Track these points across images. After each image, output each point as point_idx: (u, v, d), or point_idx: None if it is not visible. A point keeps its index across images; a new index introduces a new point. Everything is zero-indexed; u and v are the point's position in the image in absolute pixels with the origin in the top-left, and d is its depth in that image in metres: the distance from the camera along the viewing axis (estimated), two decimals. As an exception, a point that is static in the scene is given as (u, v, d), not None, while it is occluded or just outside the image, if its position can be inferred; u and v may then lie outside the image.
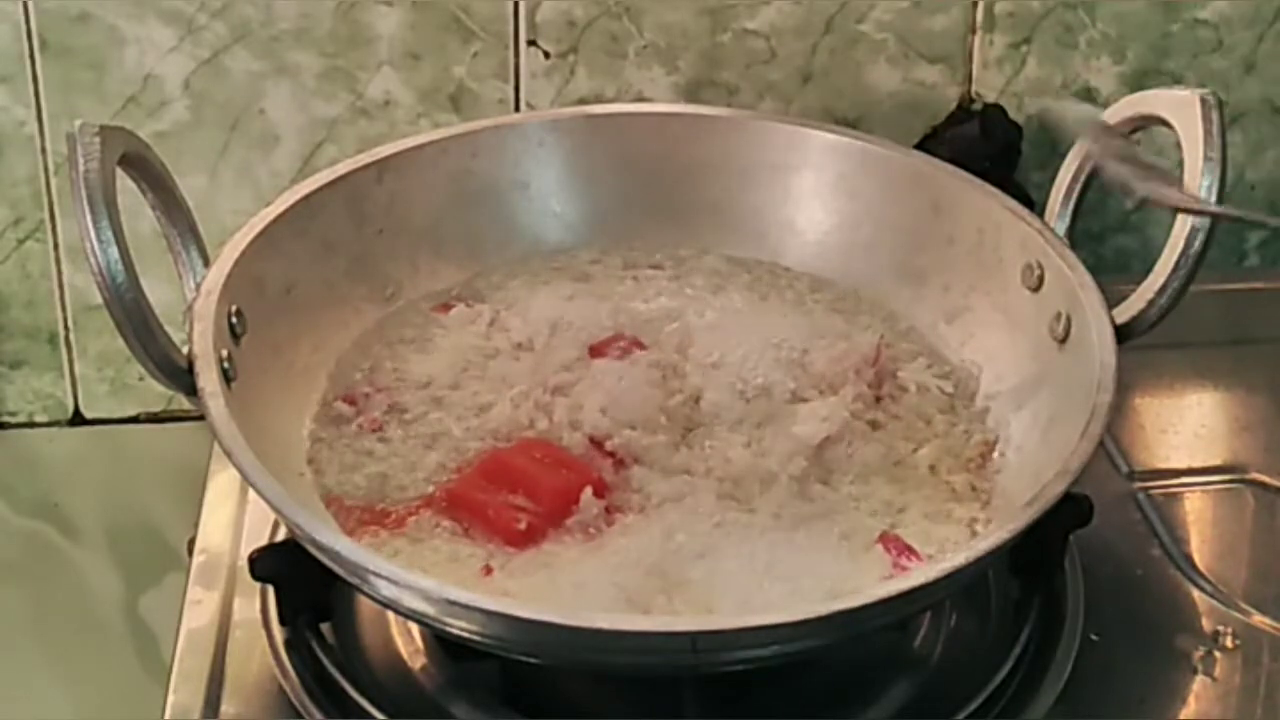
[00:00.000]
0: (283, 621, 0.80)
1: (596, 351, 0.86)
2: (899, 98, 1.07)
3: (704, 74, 1.06)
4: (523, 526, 0.77)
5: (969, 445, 0.84)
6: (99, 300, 0.75)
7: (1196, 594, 0.85)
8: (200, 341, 0.77)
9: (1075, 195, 0.88)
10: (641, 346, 0.87)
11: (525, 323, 0.89)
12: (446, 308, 0.91)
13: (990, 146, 1.07)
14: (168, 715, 0.78)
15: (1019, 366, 0.86)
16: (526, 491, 0.79)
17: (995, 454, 0.83)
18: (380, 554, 0.75)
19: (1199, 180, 0.80)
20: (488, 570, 0.76)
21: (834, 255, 0.94)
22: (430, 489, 0.80)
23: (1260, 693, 0.81)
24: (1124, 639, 0.82)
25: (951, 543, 0.78)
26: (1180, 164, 0.81)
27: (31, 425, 1.10)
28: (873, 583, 0.73)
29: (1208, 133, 0.81)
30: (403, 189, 0.91)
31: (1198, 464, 0.94)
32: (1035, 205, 0.94)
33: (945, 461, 0.83)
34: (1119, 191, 0.72)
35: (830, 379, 0.85)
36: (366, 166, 0.90)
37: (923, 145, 1.06)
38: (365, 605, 0.82)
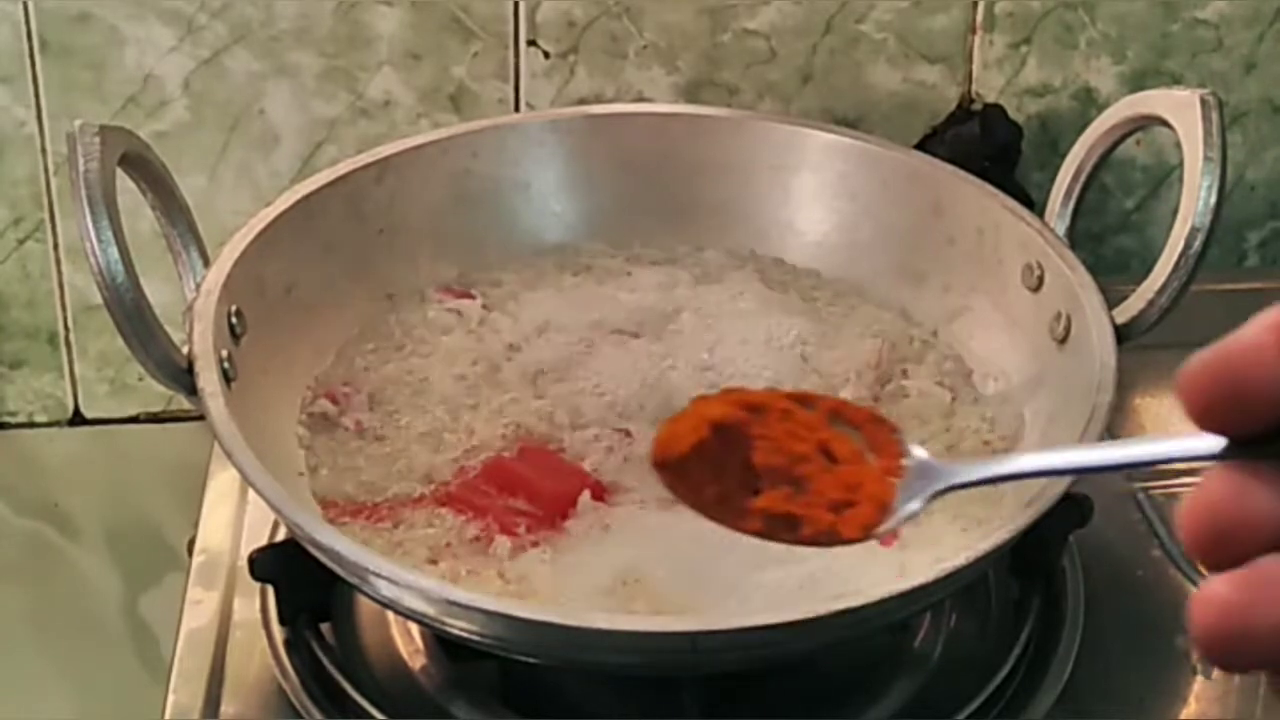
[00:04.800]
0: (283, 621, 0.80)
1: (596, 351, 0.86)
2: (899, 98, 1.07)
3: (704, 74, 1.06)
4: (522, 530, 0.77)
5: (969, 445, 0.84)
6: (99, 300, 0.75)
7: (1196, 594, 0.85)
8: (200, 341, 0.77)
9: (1075, 195, 0.88)
10: (641, 345, 0.87)
11: (524, 321, 0.89)
12: (446, 303, 0.91)
13: (990, 146, 1.07)
14: (168, 715, 0.78)
15: (1019, 366, 0.86)
16: (527, 495, 0.79)
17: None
18: (376, 545, 0.75)
19: (1199, 180, 0.80)
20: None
21: (834, 255, 0.94)
22: (431, 487, 0.80)
23: (1260, 693, 0.81)
24: (1124, 639, 0.82)
25: (950, 543, 0.78)
26: (1180, 164, 0.81)
27: (31, 425, 1.10)
28: (873, 583, 0.73)
29: (1208, 133, 0.81)
30: (403, 189, 0.91)
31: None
32: (1035, 205, 0.94)
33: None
34: None
35: (830, 380, 0.85)
36: (366, 166, 0.90)
37: (923, 145, 1.06)
38: (365, 605, 0.82)
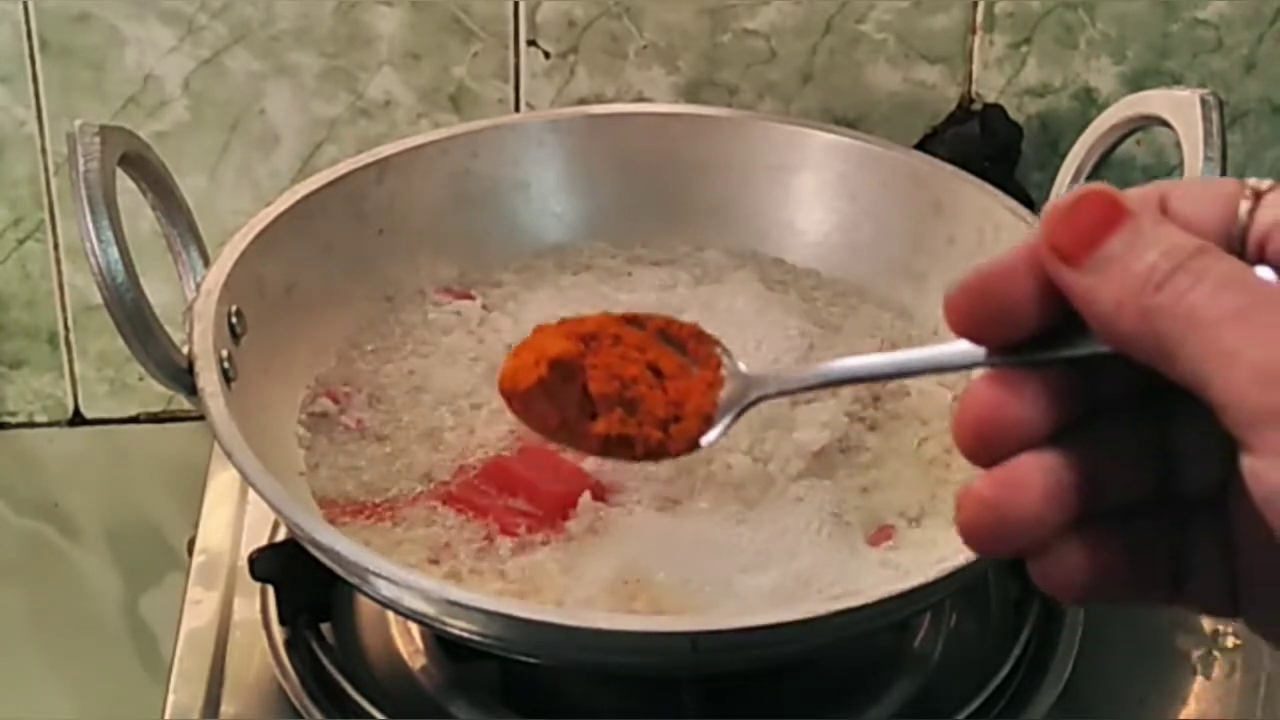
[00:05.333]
0: (283, 621, 0.80)
1: (596, 351, 0.87)
2: (899, 98, 1.07)
3: (704, 74, 1.06)
4: (522, 530, 0.77)
5: (969, 445, 0.84)
6: (99, 300, 0.75)
7: (1196, 594, 0.85)
8: (200, 341, 0.77)
9: (1075, 195, 0.88)
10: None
11: (524, 321, 0.89)
12: (446, 304, 0.91)
13: (990, 146, 1.07)
14: (168, 715, 0.78)
15: (1019, 366, 0.86)
16: (527, 496, 0.79)
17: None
18: (376, 545, 0.75)
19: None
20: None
21: (834, 255, 0.94)
22: (431, 487, 0.80)
23: (1260, 693, 0.81)
24: (1124, 639, 0.82)
25: (950, 543, 0.78)
26: (1180, 164, 0.81)
27: (31, 425, 1.10)
28: (873, 583, 0.74)
29: (1208, 133, 0.81)
30: (403, 189, 0.91)
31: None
32: (1035, 205, 0.94)
33: (944, 460, 0.83)
34: None
35: (830, 379, 0.85)
36: (366, 166, 0.90)
37: (923, 145, 1.06)
38: (365, 605, 0.82)
